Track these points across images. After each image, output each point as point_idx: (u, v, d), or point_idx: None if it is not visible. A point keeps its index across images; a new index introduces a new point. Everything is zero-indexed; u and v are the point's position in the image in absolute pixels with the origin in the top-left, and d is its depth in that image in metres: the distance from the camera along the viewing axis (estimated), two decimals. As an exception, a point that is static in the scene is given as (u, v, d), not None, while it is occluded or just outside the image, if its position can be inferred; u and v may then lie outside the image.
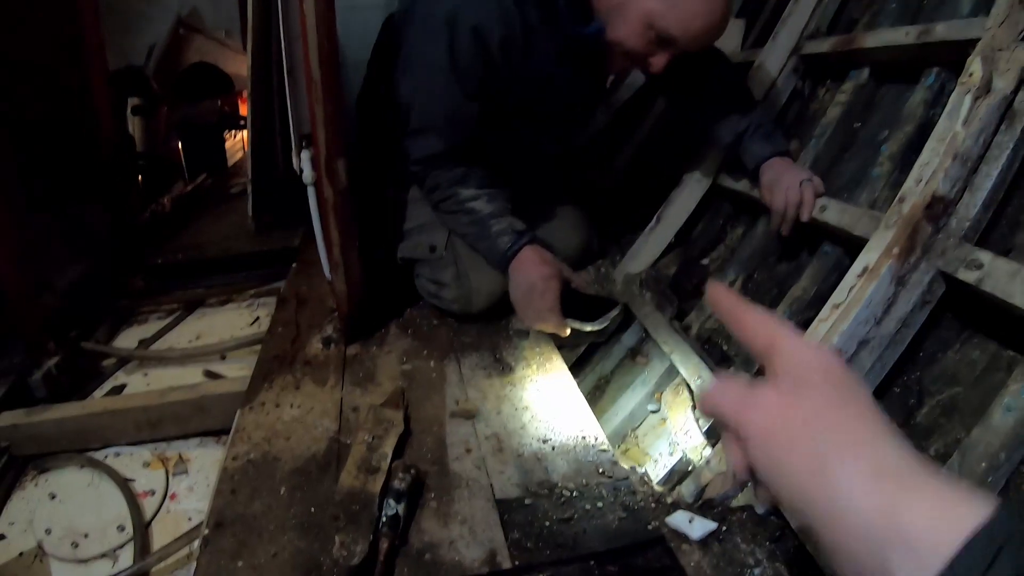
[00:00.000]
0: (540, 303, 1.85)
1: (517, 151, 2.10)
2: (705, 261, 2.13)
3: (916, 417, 1.31)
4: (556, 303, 1.85)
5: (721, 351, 1.83)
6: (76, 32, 2.71)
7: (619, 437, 1.91)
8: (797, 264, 1.82)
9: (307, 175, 1.74)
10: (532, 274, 1.84)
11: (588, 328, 1.95)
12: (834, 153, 1.94)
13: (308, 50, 1.58)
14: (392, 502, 1.27)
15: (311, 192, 1.77)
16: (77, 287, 2.51)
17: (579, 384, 1.90)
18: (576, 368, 2.14)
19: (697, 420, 1.71)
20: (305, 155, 1.72)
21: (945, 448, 1.20)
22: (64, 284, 2.47)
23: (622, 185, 2.88)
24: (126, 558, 1.63)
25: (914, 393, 1.34)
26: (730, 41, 2.78)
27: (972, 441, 1.12)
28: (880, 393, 1.37)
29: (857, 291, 1.35)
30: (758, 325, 0.63)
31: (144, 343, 2.45)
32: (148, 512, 1.73)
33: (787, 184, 1.75)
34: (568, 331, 1.92)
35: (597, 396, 2.07)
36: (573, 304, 1.90)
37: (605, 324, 1.96)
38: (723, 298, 0.67)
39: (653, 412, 1.90)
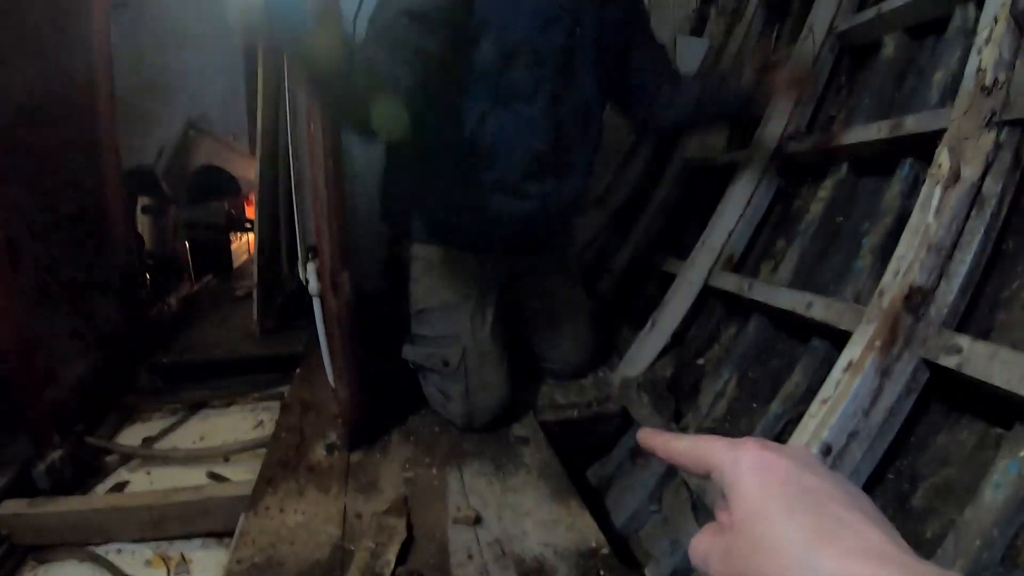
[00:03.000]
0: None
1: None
2: (700, 361, 2.17)
3: (911, 501, 1.34)
4: None
5: (719, 450, 1.87)
6: (93, 133, 2.79)
7: (622, 538, 1.92)
8: (789, 360, 1.86)
9: (313, 286, 1.79)
10: None
11: None
12: (819, 248, 2.01)
13: (315, 170, 1.67)
14: (395, 608, 1.30)
15: (316, 303, 1.82)
16: (84, 381, 2.54)
17: (581, 487, 1.93)
18: (578, 471, 2.17)
19: (697, 519, 1.73)
20: (311, 267, 1.78)
21: (941, 529, 1.23)
22: (71, 378, 2.49)
23: (619, 288, 2.96)
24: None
25: (907, 478, 1.38)
26: (716, 141, 2.92)
27: (965, 521, 1.15)
28: (874, 481, 1.41)
29: (843, 386, 1.40)
30: (689, 455, 0.60)
31: (148, 441, 2.46)
32: (149, 611, 1.74)
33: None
34: None
35: (599, 498, 2.09)
36: None
37: None
38: (653, 442, 0.67)
39: (654, 512, 1.92)
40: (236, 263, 4.87)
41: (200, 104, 5.34)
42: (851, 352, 1.44)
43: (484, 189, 1.97)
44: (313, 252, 1.78)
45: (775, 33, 3.05)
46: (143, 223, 4.04)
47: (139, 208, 4.02)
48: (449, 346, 2.06)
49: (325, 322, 1.82)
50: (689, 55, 3.29)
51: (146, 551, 1.89)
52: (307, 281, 1.82)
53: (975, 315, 1.42)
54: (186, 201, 4.66)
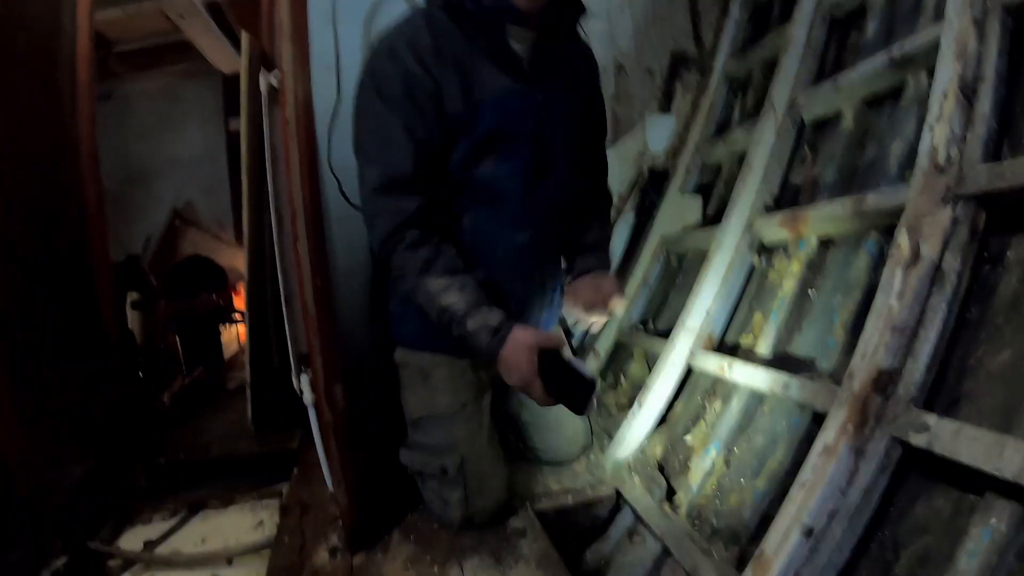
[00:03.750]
0: (530, 395, 1.81)
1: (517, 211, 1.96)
2: (688, 439, 2.22)
3: (895, 569, 1.38)
4: (542, 394, 1.78)
5: (711, 526, 1.91)
6: (82, 229, 2.83)
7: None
8: (772, 437, 1.91)
9: (307, 397, 1.85)
10: (520, 367, 1.75)
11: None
12: (795, 323, 2.07)
13: (303, 287, 1.74)
14: None
15: (311, 413, 1.87)
16: (83, 485, 2.56)
17: (578, 569, 1.97)
18: (575, 552, 2.21)
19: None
20: (304, 378, 1.83)
21: None
22: (70, 483, 2.52)
23: (605, 370, 3.03)
24: None
25: (890, 548, 1.42)
26: (690, 216, 3.00)
27: None
28: (859, 552, 1.45)
29: (820, 469, 1.46)
30: None
31: (150, 544, 2.48)
32: None
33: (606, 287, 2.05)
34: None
35: (597, 578, 2.12)
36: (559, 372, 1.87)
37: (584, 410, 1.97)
38: None
39: (653, 593, 1.96)
40: (226, 354, 4.88)
41: (185, 193, 5.43)
42: (826, 436, 1.50)
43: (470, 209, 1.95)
44: (305, 362, 1.83)
45: (737, 105, 3.18)
46: (133, 318, 4.05)
47: (128, 304, 4.03)
48: (447, 455, 2.06)
49: (321, 431, 1.87)
50: (658, 132, 3.40)
51: None
52: (301, 392, 1.87)
53: (943, 387, 1.47)
54: (174, 294, 4.70)
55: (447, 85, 1.75)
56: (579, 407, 1.86)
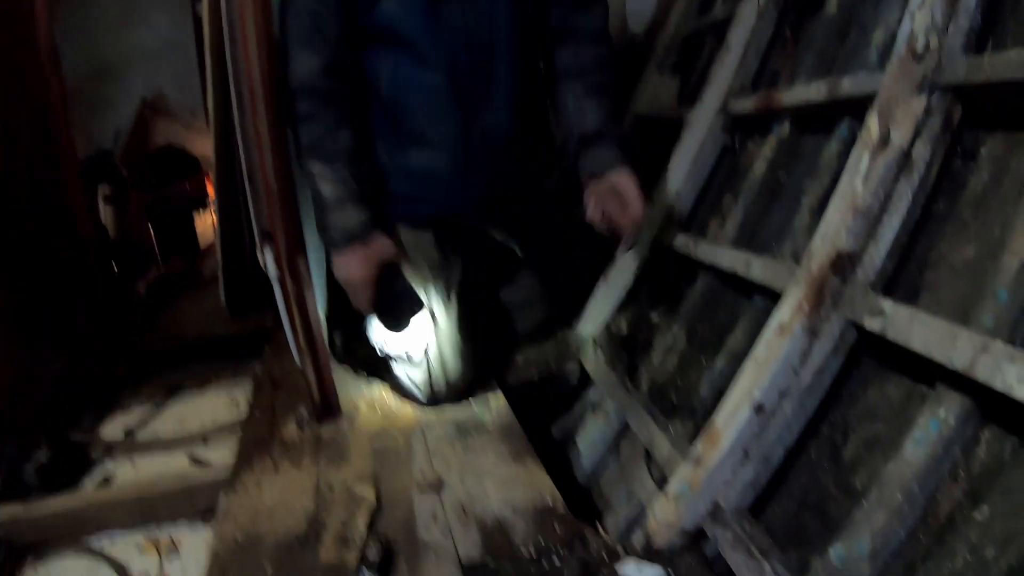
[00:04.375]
0: (354, 299, 1.89)
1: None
2: (653, 317, 2.24)
3: (842, 453, 1.41)
4: (368, 304, 1.87)
5: (670, 402, 1.96)
6: (46, 126, 2.80)
7: (584, 490, 2.03)
8: (734, 316, 1.92)
9: (271, 271, 1.85)
10: (351, 275, 1.84)
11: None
12: (763, 205, 2.05)
13: (263, 163, 1.73)
14: (368, 572, 1.39)
15: (276, 287, 1.89)
16: (62, 379, 2.60)
17: (543, 441, 2.03)
18: (542, 427, 2.27)
19: (650, 471, 1.83)
20: (268, 252, 1.83)
21: (869, 480, 1.29)
22: (49, 377, 2.55)
23: (575, 246, 3.02)
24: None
25: (840, 431, 1.44)
26: (666, 97, 2.95)
27: (888, 474, 1.21)
28: (809, 433, 1.48)
29: (774, 347, 1.46)
30: None
31: (129, 430, 2.54)
32: (144, 595, 1.83)
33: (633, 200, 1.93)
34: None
35: (562, 452, 2.19)
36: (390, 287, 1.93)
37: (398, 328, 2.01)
38: None
39: (612, 464, 2.02)
40: (202, 242, 4.85)
41: (154, 84, 5.29)
42: (781, 314, 1.50)
43: (397, 148, 1.97)
44: (269, 237, 1.83)
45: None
46: (106, 212, 4.01)
47: (100, 198, 3.98)
48: (412, 341, 2.09)
49: (286, 305, 1.88)
50: (637, 8, 3.29)
51: (137, 538, 1.98)
52: (266, 266, 1.87)
53: (904, 276, 1.46)
54: (147, 184, 4.64)
55: None
56: (395, 325, 1.96)
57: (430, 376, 2.10)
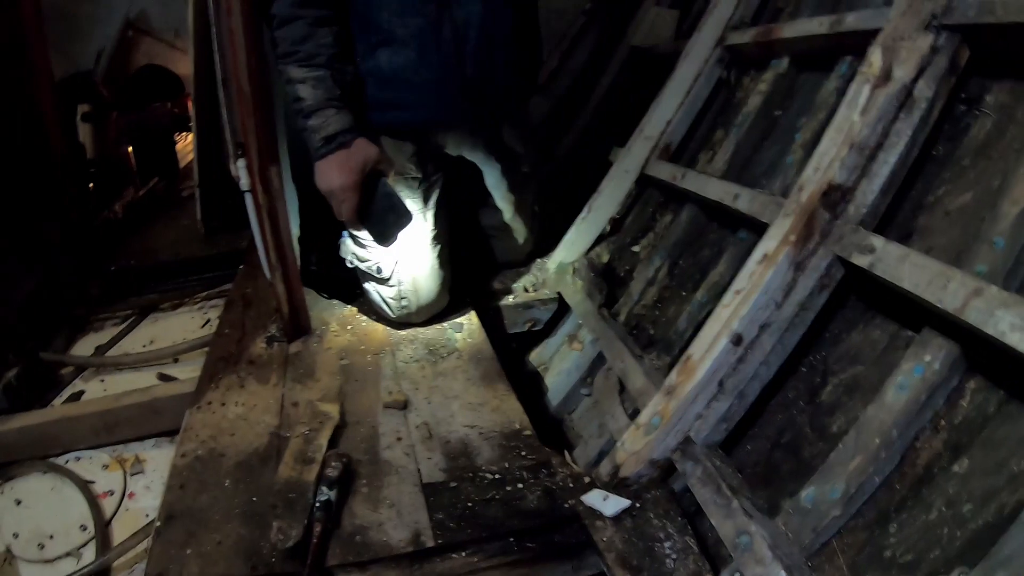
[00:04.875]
0: (337, 209, 1.87)
1: None
2: (635, 248, 2.21)
3: (820, 395, 1.39)
4: (352, 213, 1.85)
5: (648, 335, 1.93)
6: (18, 40, 2.72)
7: (556, 420, 2.02)
8: (718, 250, 1.90)
9: (243, 182, 1.79)
10: (333, 182, 1.81)
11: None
12: (755, 141, 2.02)
13: (237, 64, 1.66)
14: (325, 489, 1.37)
15: (248, 198, 1.83)
16: (33, 298, 2.56)
17: (519, 370, 2.00)
18: (517, 354, 2.26)
19: (623, 403, 1.81)
20: (240, 163, 1.77)
21: (846, 424, 1.27)
22: (20, 297, 2.51)
23: (561, 175, 2.98)
24: (89, 556, 1.74)
25: (819, 372, 1.42)
26: (664, 30, 2.89)
27: (867, 418, 1.19)
28: (787, 371, 1.45)
29: (757, 277, 1.42)
30: None
31: (100, 349, 2.50)
32: (108, 511, 1.83)
33: None
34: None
35: (537, 380, 2.17)
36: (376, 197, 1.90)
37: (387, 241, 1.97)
38: None
39: (586, 395, 2.00)
40: (182, 164, 4.78)
41: (138, 3, 5.15)
42: (766, 245, 1.46)
43: (368, 49, 1.89)
44: (241, 148, 1.77)
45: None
46: (83, 131, 3.92)
47: (79, 116, 3.89)
48: (383, 255, 2.03)
49: (257, 217, 1.83)
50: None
51: (103, 456, 1.97)
52: (238, 178, 1.82)
53: (897, 217, 1.43)
54: (128, 104, 4.55)
55: None
56: (383, 237, 1.89)
57: (400, 296, 2.06)
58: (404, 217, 1.90)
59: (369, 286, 2.12)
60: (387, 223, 1.89)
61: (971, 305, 1.03)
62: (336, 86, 1.77)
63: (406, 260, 2.03)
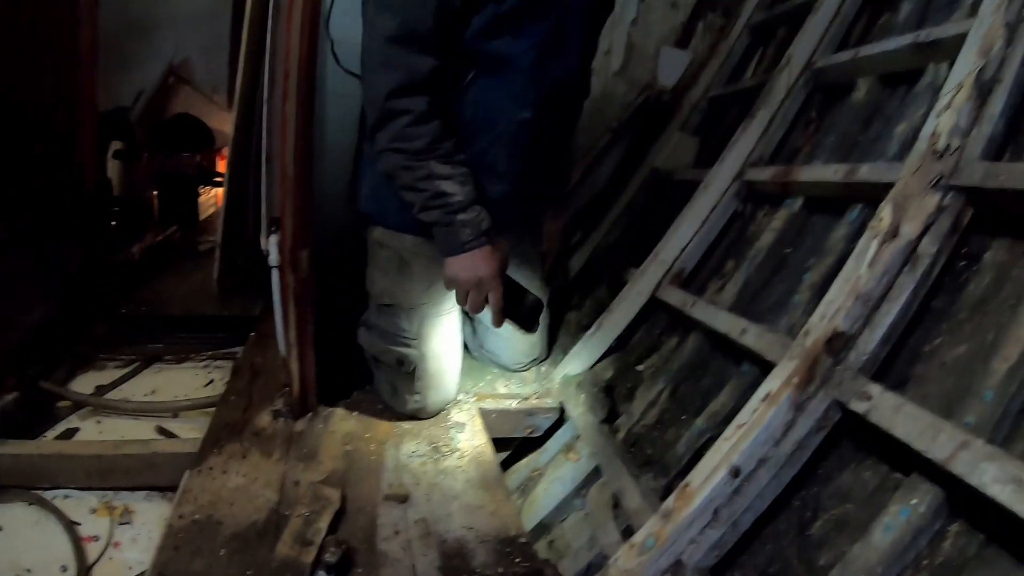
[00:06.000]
0: (480, 299, 1.91)
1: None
2: (639, 368, 2.26)
3: (810, 529, 1.42)
4: (501, 301, 1.91)
5: (646, 455, 1.96)
6: (72, 74, 2.78)
7: (546, 528, 2.03)
8: (720, 380, 1.94)
9: (273, 258, 1.83)
10: (483, 270, 1.85)
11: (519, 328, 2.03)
12: (765, 276, 2.08)
13: (285, 146, 1.74)
14: (323, 574, 1.39)
15: (275, 274, 1.88)
16: (42, 326, 2.57)
17: (513, 474, 2.02)
18: (512, 458, 2.30)
19: (615, 519, 1.83)
20: (273, 239, 1.82)
21: (833, 560, 1.30)
22: (32, 323, 2.53)
23: (572, 288, 3.06)
24: (67, 597, 1.71)
25: (810, 507, 1.45)
26: (685, 155, 3.00)
27: (853, 555, 1.23)
28: (780, 505, 1.48)
29: (759, 415, 1.48)
30: None
31: (101, 390, 2.50)
32: (91, 557, 1.79)
33: None
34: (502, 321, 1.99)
35: (530, 487, 2.18)
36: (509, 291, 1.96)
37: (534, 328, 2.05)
38: None
39: (579, 507, 2.02)
40: (202, 216, 4.84)
41: (183, 51, 5.27)
42: (770, 384, 1.52)
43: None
44: (276, 224, 1.82)
45: (756, 58, 3.15)
46: (113, 168, 3.98)
47: (110, 152, 3.96)
48: (407, 348, 2.08)
49: (281, 295, 1.87)
50: (670, 66, 3.38)
51: (92, 500, 1.95)
52: (268, 252, 1.86)
53: (895, 365, 1.49)
54: (158, 149, 4.62)
55: None
56: (529, 325, 1.97)
57: (415, 391, 2.11)
58: (540, 304, 2.01)
59: (383, 377, 2.17)
60: (529, 313, 1.98)
61: (958, 457, 1.10)
62: (476, 183, 1.84)
63: (429, 355, 2.09)
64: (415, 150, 1.76)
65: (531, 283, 2.27)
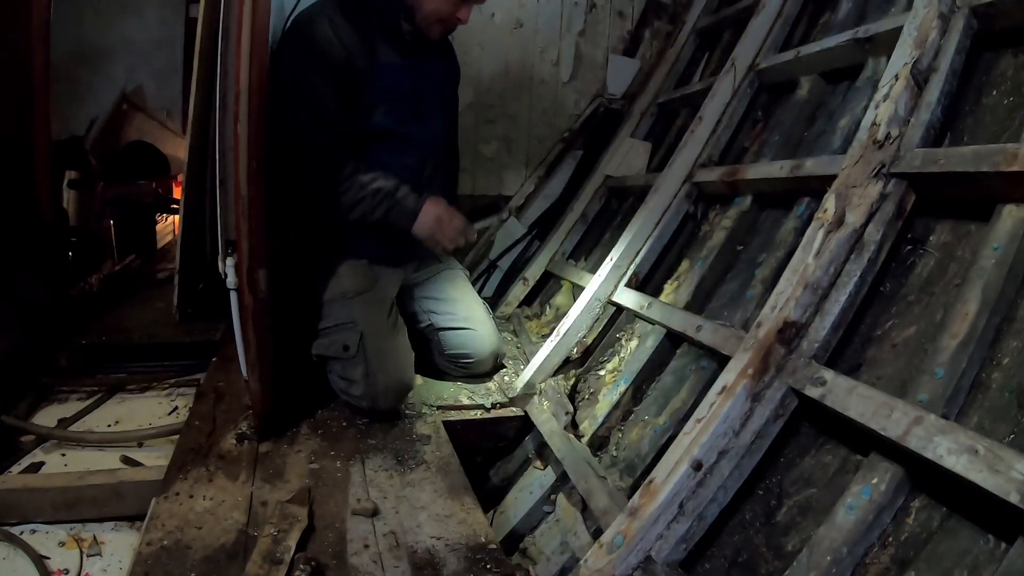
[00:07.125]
0: (451, 224, 2.33)
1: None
2: (601, 372, 2.29)
3: (775, 516, 1.46)
4: (464, 220, 2.37)
5: (611, 456, 1.99)
6: (25, 104, 2.74)
7: (518, 537, 2.05)
8: (680, 377, 1.98)
9: (230, 280, 1.83)
10: (436, 211, 2.30)
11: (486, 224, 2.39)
12: (718, 274, 2.15)
13: (238, 167, 1.74)
14: (293, 592, 1.39)
15: (233, 296, 1.88)
16: (2, 360, 2.53)
17: (483, 485, 2.03)
18: (481, 470, 2.31)
19: (585, 521, 1.85)
20: (230, 261, 1.82)
21: (800, 544, 1.34)
22: (-7, 356, 2.49)
23: (532, 296, 3.09)
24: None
25: (775, 495, 1.49)
26: (637, 161, 3.04)
27: (819, 537, 1.26)
28: (744, 494, 1.52)
29: (716, 407, 1.51)
30: None
31: (64, 422, 2.46)
32: (61, 590, 1.78)
33: None
34: (475, 234, 2.37)
35: (499, 496, 2.21)
36: None
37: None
38: None
39: (548, 513, 2.04)
40: (160, 244, 4.78)
41: (136, 77, 5.23)
42: (726, 377, 1.55)
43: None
44: (232, 247, 1.83)
45: (704, 62, 3.21)
46: (69, 198, 3.93)
47: (65, 182, 3.90)
48: (348, 331, 2.23)
49: (240, 316, 1.87)
50: (618, 74, 3.44)
51: (60, 532, 1.92)
52: (225, 275, 1.87)
53: (848, 351, 1.54)
54: (114, 177, 4.57)
55: (355, 51, 2.22)
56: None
57: (367, 370, 2.19)
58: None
59: (336, 375, 2.27)
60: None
61: (912, 432, 1.14)
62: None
63: (369, 333, 2.24)
64: (347, 176, 2.25)
65: (465, 292, 2.68)
